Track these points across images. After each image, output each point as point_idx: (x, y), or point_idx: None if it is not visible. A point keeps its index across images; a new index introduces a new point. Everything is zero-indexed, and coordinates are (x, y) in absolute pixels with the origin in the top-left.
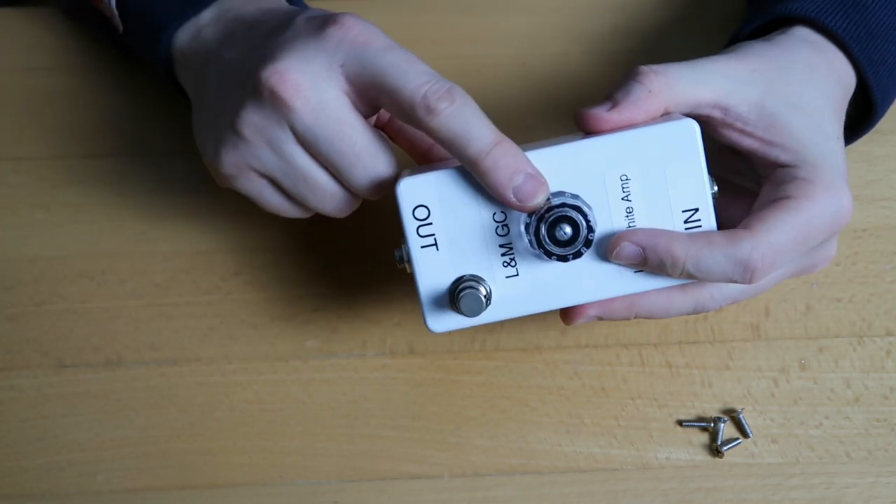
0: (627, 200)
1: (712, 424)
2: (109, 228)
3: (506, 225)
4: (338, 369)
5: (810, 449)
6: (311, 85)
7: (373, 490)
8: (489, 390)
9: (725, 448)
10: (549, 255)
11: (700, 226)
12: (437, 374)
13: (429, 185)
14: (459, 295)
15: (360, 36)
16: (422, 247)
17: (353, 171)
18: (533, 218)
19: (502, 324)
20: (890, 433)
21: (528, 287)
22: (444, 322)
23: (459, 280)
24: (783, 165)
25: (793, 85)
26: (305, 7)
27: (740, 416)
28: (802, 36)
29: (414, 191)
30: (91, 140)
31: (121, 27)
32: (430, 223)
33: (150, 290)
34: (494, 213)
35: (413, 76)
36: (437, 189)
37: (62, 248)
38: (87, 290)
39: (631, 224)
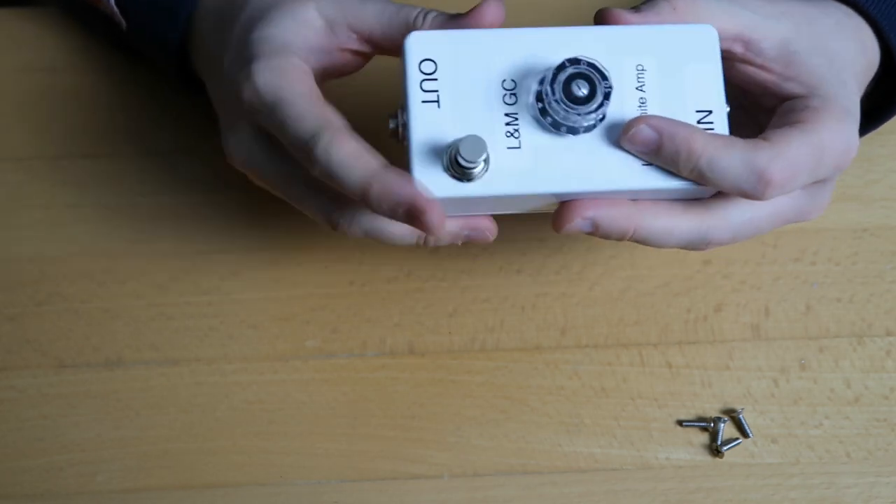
0: (641, 91)
1: (712, 424)
2: (109, 228)
3: (514, 94)
4: (338, 369)
5: (810, 449)
6: (247, 157)
7: (373, 490)
8: (489, 390)
9: (725, 448)
10: (559, 126)
11: (713, 128)
12: (437, 374)
13: (441, 39)
14: (460, 141)
15: (250, 105)
16: (422, 101)
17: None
18: (545, 83)
19: (502, 323)
20: (890, 433)
21: (528, 163)
22: (436, 188)
23: (458, 141)
24: (795, 97)
25: (819, 33)
26: None
27: (740, 416)
28: (837, 6)
29: (423, 44)
30: (91, 140)
31: (123, 24)
32: (436, 79)
33: (150, 290)
34: (504, 81)
35: (288, 142)
36: (449, 45)
37: (62, 248)
38: (87, 290)
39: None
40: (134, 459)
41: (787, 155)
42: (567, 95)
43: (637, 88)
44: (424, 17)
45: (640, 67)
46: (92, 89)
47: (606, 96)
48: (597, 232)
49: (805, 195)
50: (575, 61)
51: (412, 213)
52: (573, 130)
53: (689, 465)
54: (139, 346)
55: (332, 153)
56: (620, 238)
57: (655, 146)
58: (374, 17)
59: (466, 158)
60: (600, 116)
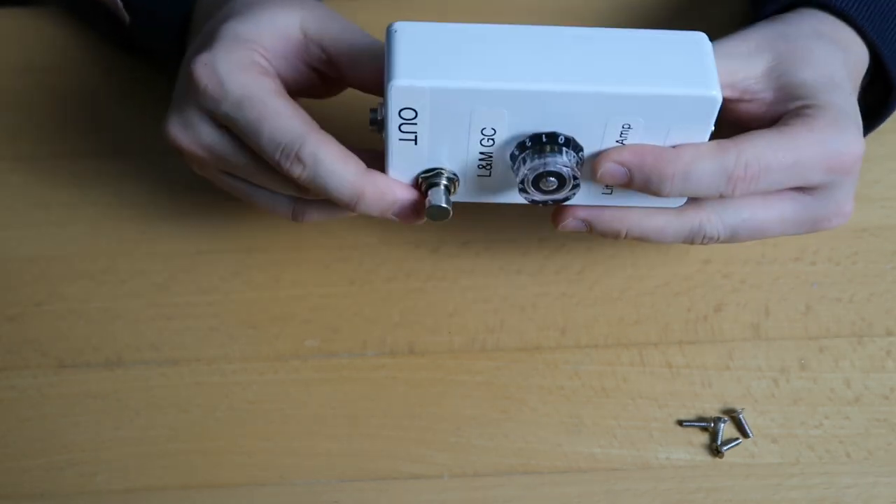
0: (620, 143)
1: (712, 424)
2: (109, 228)
3: (492, 139)
4: (338, 369)
5: (810, 449)
6: (198, 140)
7: (373, 490)
8: (489, 390)
9: (725, 448)
10: (529, 198)
11: None
12: (437, 374)
13: (423, 93)
14: (428, 201)
15: (210, 92)
16: (400, 139)
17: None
18: (521, 154)
19: (502, 323)
20: (890, 433)
21: (496, 184)
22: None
23: (429, 171)
24: (791, 110)
25: (799, 48)
26: None
27: (740, 416)
28: (811, 14)
29: (406, 95)
30: (91, 139)
31: (127, 18)
32: (415, 124)
33: (150, 290)
34: (484, 128)
35: (265, 142)
36: (430, 98)
37: (62, 248)
38: (87, 290)
39: None
40: (134, 459)
41: (753, 151)
42: (536, 184)
43: (617, 142)
44: None
45: (626, 126)
46: (92, 89)
47: (574, 187)
48: (591, 231)
49: (814, 200)
50: (552, 137)
51: (403, 213)
52: (544, 204)
53: (689, 465)
54: (139, 346)
55: (320, 156)
56: (616, 237)
57: (627, 179)
58: (347, 45)
59: (431, 219)
60: (567, 195)
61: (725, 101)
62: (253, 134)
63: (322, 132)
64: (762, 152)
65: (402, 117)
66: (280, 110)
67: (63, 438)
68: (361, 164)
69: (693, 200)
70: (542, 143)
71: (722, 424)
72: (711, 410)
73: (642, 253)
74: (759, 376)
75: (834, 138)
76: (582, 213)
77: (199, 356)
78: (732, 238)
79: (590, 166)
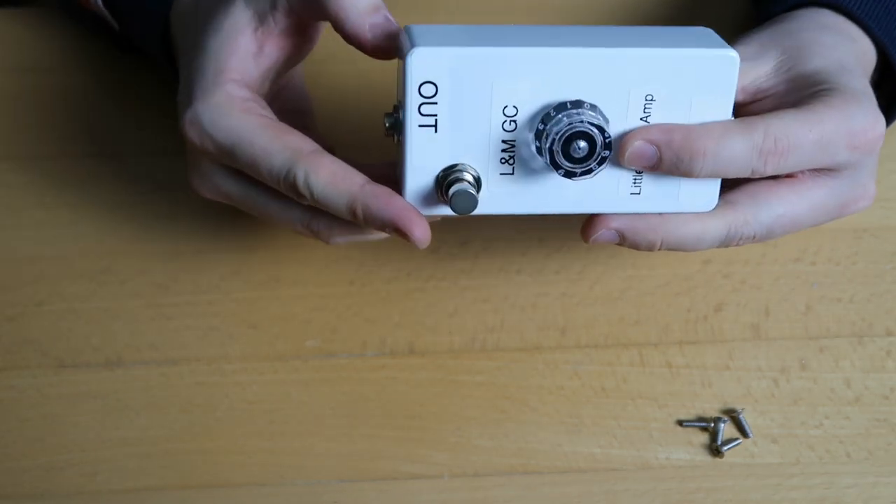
0: (645, 122)
1: (712, 424)
2: (109, 228)
3: (514, 121)
4: (338, 369)
5: (810, 449)
6: (216, 188)
7: (373, 490)
8: (489, 390)
9: (725, 448)
10: (558, 168)
11: None
12: (437, 374)
13: (444, 59)
14: (450, 191)
15: (203, 148)
16: (419, 125)
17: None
18: (548, 126)
19: (502, 323)
20: (890, 433)
21: (518, 188)
22: (426, 207)
23: (450, 169)
24: (808, 95)
25: (804, 39)
26: None
27: (740, 416)
28: (815, 11)
29: (427, 63)
30: (91, 140)
31: (116, 26)
32: (435, 103)
33: (150, 290)
34: (506, 107)
35: (264, 177)
36: (451, 66)
37: (62, 248)
38: (87, 290)
39: None
40: (134, 459)
41: (781, 125)
42: (565, 152)
43: (642, 119)
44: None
45: (649, 97)
46: (91, 89)
47: (603, 160)
48: (624, 242)
49: (840, 184)
50: (577, 104)
51: (398, 232)
52: (570, 175)
53: (689, 465)
54: (139, 346)
55: (312, 184)
56: (649, 249)
57: (656, 159)
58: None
59: (458, 213)
60: (601, 162)
61: (739, 105)
62: (252, 172)
63: (314, 154)
64: (789, 126)
65: (421, 94)
66: (267, 146)
67: (63, 438)
68: (359, 180)
69: (726, 203)
70: (567, 108)
71: (722, 424)
72: (711, 410)
73: (642, 253)
74: (759, 376)
75: (856, 115)
76: (615, 223)
77: (199, 356)
78: (768, 236)
79: (615, 154)
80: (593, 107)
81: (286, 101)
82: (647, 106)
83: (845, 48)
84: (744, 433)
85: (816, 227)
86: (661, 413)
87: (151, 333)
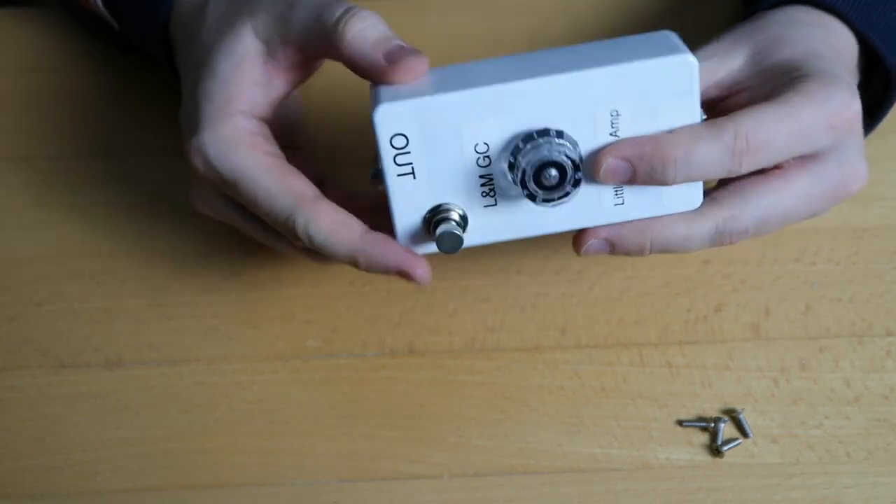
0: (615, 136)
1: (712, 424)
2: (109, 228)
3: (487, 156)
4: (338, 369)
5: (810, 449)
6: (218, 210)
7: (373, 490)
8: (489, 390)
9: (725, 448)
10: (534, 198)
11: None
12: (437, 374)
13: (408, 112)
14: (437, 231)
15: (207, 176)
16: (398, 175)
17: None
18: (517, 158)
19: (502, 323)
20: (890, 433)
21: (504, 216)
22: (420, 246)
23: (436, 209)
24: (780, 85)
25: (776, 33)
26: None
27: (740, 416)
28: (791, 7)
29: (392, 118)
30: (91, 140)
31: (115, 25)
32: (409, 152)
33: (150, 290)
34: (476, 144)
35: (264, 216)
36: (416, 117)
37: (62, 249)
38: (87, 290)
39: None
40: (134, 459)
41: (751, 121)
42: (538, 182)
43: (611, 134)
44: (347, 20)
45: (614, 113)
46: (91, 89)
47: (577, 182)
48: (614, 250)
49: (826, 168)
50: (543, 133)
51: (401, 275)
52: (549, 201)
53: (689, 465)
54: (139, 346)
55: (312, 233)
56: (640, 253)
57: (630, 173)
58: (301, 25)
59: (447, 252)
60: (576, 184)
61: (715, 101)
62: (254, 208)
63: (315, 201)
64: (759, 122)
65: (393, 146)
66: (270, 189)
67: (63, 438)
68: (358, 229)
69: (711, 200)
70: (534, 139)
71: (722, 424)
72: (711, 410)
73: None
74: (759, 376)
75: (829, 97)
76: (603, 233)
77: (199, 356)
78: (762, 229)
79: (591, 172)
80: (560, 133)
81: (279, 116)
82: (613, 121)
83: (817, 37)
84: (744, 433)
85: (816, 228)
86: (661, 413)
87: (151, 333)
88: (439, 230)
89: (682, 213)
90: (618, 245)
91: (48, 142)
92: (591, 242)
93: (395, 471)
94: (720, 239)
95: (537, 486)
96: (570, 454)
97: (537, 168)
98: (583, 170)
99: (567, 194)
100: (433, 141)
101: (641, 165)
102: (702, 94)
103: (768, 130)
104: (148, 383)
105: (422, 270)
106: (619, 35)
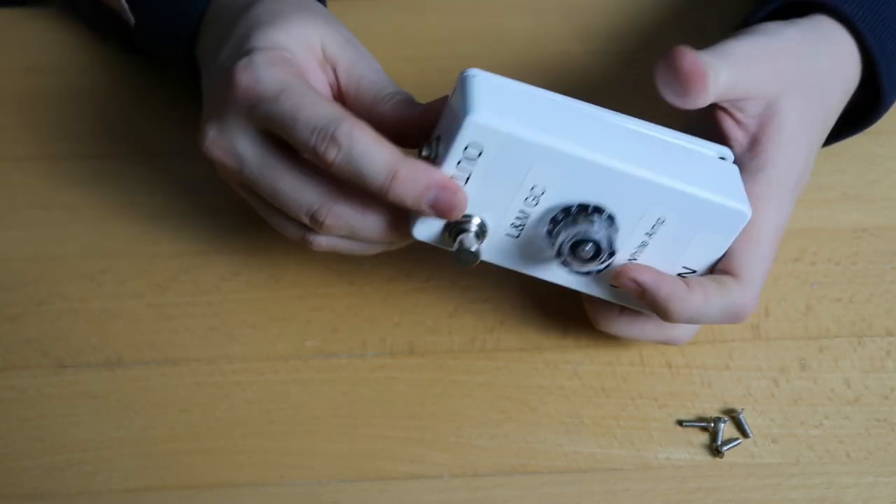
0: (647, 237)
1: (712, 424)
2: (109, 228)
3: (537, 199)
4: (338, 369)
5: (810, 449)
6: (232, 148)
7: (373, 490)
8: (489, 390)
9: (725, 448)
10: (559, 256)
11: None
12: (437, 374)
13: (497, 135)
14: (457, 238)
15: (249, 92)
16: (451, 175)
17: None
18: (565, 220)
19: (502, 323)
20: (890, 433)
21: (518, 250)
22: (430, 234)
23: (464, 217)
24: (747, 159)
25: (810, 79)
26: None
27: (740, 416)
28: (822, 26)
29: (480, 131)
30: (91, 140)
31: (132, 20)
32: (475, 163)
33: (150, 290)
34: (535, 186)
35: (301, 128)
36: (501, 141)
37: (62, 248)
38: (87, 290)
39: (634, 255)
40: (134, 459)
41: (754, 285)
42: (573, 249)
43: (646, 234)
44: (392, 102)
45: (660, 220)
46: (92, 89)
47: (611, 255)
48: (642, 297)
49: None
50: (598, 210)
51: (441, 196)
52: (566, 266)
53: (689, 465)
54: (139, 346)
55: (356, 137)
56: (666, 316)
57: (638, 294)
58: (357, 76)
59: (458, 262)
60: (594, 269)
61: (718, 108)
62: (289, 123)
63: (358, 119)
64: (759, 277)
65: (464, 154)
66: (316, 99)
67: (63, 438)
68: (397, 149)
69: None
70: (587, 213)
71: (722, 424)
72: (711, 410)
73: None
74: (759, 376)
75: (776, 216)
76: (643, 276)
77: (199, 356)
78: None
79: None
80: (611, 218)
81: None
82: (655, 226)
83: (838, 98)
84: (744, 433)
85: (816, 228)
86: (661, 413)
87: (151, 333)
88: (460, 238)
89: (706, 284)
90: (650, 293)
91: (48, 142)
92: (626, 280)
93: (395, 471)
94: (735, 318)
95: (537, 486)
96: (570, 454)
97: (579, 240)
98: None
99: (589, 273)
100: (502, 165)
101: (650, 298)
102: (716, 96)
103: (761, 286)
104: (148, 383)
105: (463, 195)
106: (619, 33)
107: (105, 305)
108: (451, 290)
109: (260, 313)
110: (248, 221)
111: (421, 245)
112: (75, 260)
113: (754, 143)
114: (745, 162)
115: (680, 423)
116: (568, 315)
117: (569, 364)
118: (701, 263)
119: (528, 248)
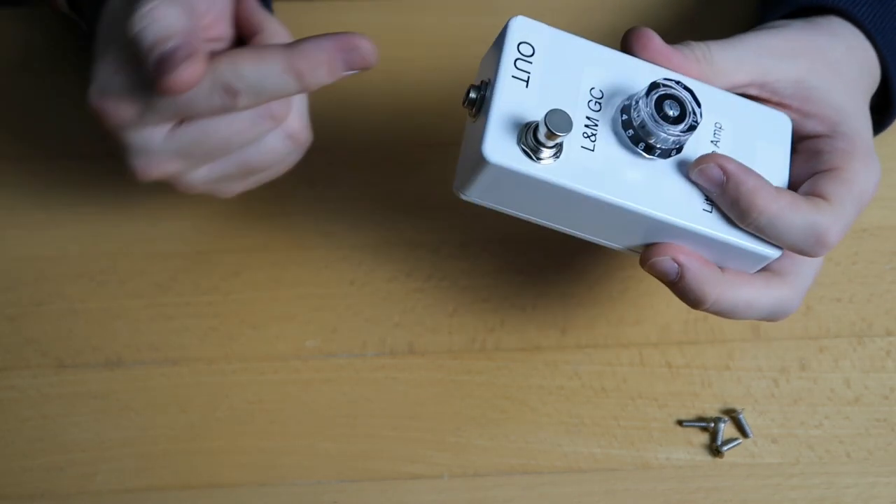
0: (715, 146)
1: (712, 424)
2: (109, 228)
3: (599, 102)
4: (338, 369)
5: (810, 449)
6: (149, 161)
7: (373, 490)
8: (489, 390)
9: (725, 448)
10: (638, 137)
11: None
12: (437, 374)
13: (543, 31)
14: (547, 113)
15: (115, 118)
16: (512, 76)
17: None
18: (637, 97)
19: (502, 323)
20: (890, 433)
21: (596, 166)
22: (503, 156)
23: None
24: (818, 136)
25: (833, 63)
26: None
27: (740, 416)
28: (839, 23)
29: (527, 28)
30: (91, 140)
31: (83, 25)
32: (531, 62)
33: (150, 290)
34: (593, 88)
35: (196, 97)
36: (549, 39)
37: (62, 248)
38: (87, 290)
39: None
40: (134, 459)
41: (844, 217)
42: (658, 111)
43: (712, 142)
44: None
45: (717, 125)
46: None
47: (692, 127)
48: (679, 282)
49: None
50: (674, 81)
51: (345, 57)
52: (650, 149)
53: (689, 465)
54: (139, 346)
55: (241, 68)
56: (696, 303)
57: (720, 186)
58: None
59: (551, 130)
60: (678, 145)
61: (751, 97)
62: (183, 108)
63: (237, 51)
64: (847, 212)
65: (519, 52)
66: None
67: (63, 438)
68: (280, 46)
69: (778, 277)
70: (659, 86)
71: (722, 424)
72: (711, 410)
73: None
74: (759, 376)
75: (871, 174)
76: (682, 256)
77: (199, 356)
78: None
79: (685, 168)
80: (687, 87)
81: None
82: (716, 132)
83: (865, 86)
84: (744, 433)
85: None
86: (661, 413)
87: (151, 333)
88: (549, 109)
89: (752, 281)
90: (686, 278)
91: (48, 142)
92: (665, 259)
93: (395, 471)
94: (776, 316)
95: (537, 486)
96: (570, 454)
97: (662, 95)
98: (678, 161)
99: (686, 131)
100: (555, 65)
101: (732, 190)
102: (739, 88)
103: (847, 226)
104: (148, 383)
105: (365, 40)
106: (619, 33)
107: (105, 305)
108: (451, 290)
109: (260, 313)
110: (248, 221)
111: (421, 245)
112: (75, 260)
113: (804, 116)
114: (817, 147)
115: (680, 423)
116: (568, 315)
117: (569, 364)
118: (777, 177)
119: (607, 165)
